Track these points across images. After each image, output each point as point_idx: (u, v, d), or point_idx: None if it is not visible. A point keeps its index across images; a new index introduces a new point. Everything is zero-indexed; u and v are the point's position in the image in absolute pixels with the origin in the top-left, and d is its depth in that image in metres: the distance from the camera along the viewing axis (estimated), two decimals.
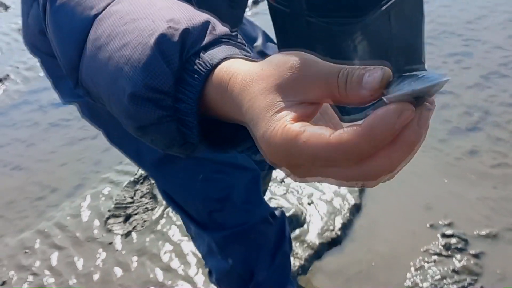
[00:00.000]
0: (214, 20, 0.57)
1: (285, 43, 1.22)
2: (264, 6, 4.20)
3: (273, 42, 1.49)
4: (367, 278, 2.00)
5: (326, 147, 0.39)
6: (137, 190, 2.57)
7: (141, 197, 2.51)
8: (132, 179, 2.64)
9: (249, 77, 0.47)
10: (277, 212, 1.45)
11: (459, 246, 2.09)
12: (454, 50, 3.56)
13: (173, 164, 1.25)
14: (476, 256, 2.04)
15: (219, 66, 0.52)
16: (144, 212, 2.45)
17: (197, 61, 0.53)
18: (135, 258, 2.24)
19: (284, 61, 0.45)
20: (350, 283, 1.98)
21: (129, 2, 0.59)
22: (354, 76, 0.42)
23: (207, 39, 0.54)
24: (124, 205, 2.49)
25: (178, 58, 0.53)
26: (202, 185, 1.29)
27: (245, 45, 0.59)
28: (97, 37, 0.58)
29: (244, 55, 0.54)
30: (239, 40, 0.58)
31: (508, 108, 2.92)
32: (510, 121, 2.81)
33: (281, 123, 0.42)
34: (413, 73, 0.42)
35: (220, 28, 0.57)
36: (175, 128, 0.55)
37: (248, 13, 4.32)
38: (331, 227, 2.23)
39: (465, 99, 3.05)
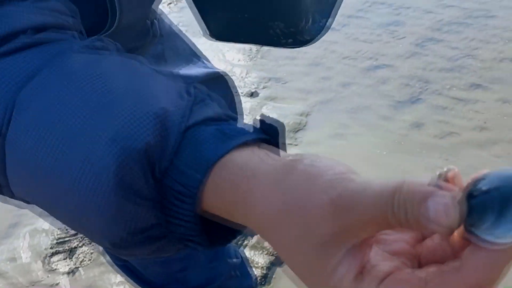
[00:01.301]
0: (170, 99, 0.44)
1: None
2: None
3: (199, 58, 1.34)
4: None
5: None
6: None
7: None
8: None
9: (272, 218, 0.38)
10: (237, 261, 1.35)
11: None
12: (386, 20, 3.52)
13: None
14: None
15: (218, 171, 0.42)
16: (90, 243, 2.29)
17: (175, 178, 0.43)
18: None
19: (321, 196, 0.36)
20: None
21: (37, 113, 0.43)
22: (416, 212, 0.32)
23: (173, 140, 0.43)
24: (66, 239, 2.33)
25: (153, 185, 0.43)
26: None
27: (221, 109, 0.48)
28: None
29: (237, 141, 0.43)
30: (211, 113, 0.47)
31: (447, 74, 2.91)
32: (451, 87, 2.79)
33: None
34: (484, 180, 0.33)
35: (178, 112, 0.44)
36: (178, 244, 0.46)
37: (174, 8, 4.16)
38: None
39: (403, 70, 3.01)
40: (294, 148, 2.55)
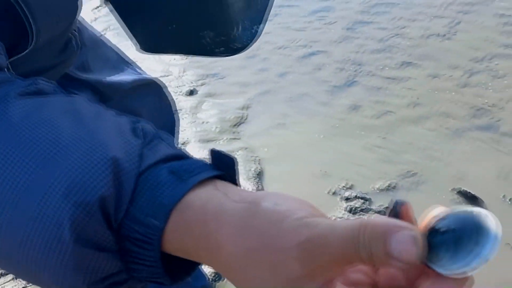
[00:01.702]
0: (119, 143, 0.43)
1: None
2: None
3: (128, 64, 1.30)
4: None
5: None
6: None
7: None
8: None
9: (239, 264, 0.39)
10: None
11: (363, 206, 2.09)
12: (316, 7, 3.57)
13: None
14: (380, 212, 2.05)
15: (176, 216, 0.42)
16: None
17: (133, 226, 0.42)
18: None
19: (288, 240, 0.37)
20: None
21: None
22: (381, 251, 0.34)
23: (127, 189, 0.41)
24: None
25: (111, 236, 0.41)
26: None
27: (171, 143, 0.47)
28: None
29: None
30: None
31: (378, 55, 2.98)
32: (383, 68, 2.86)
33: None
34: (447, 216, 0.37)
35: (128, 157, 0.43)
36: (140, 284, 0.46)
37: (102, 11, 4.06)
38: None
39: (337, 55, 3.06)
40: (237, 142, 2.56)
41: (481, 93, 2.53)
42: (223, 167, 0.45)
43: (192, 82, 3.19)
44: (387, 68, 2.86)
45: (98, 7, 3.96)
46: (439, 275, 0.35)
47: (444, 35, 3.01)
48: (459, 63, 2.77)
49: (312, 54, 3.13)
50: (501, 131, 2.27)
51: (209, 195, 0.42)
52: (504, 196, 1.96)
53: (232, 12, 0.98)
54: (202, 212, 0.41)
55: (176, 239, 0.42)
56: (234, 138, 2.60)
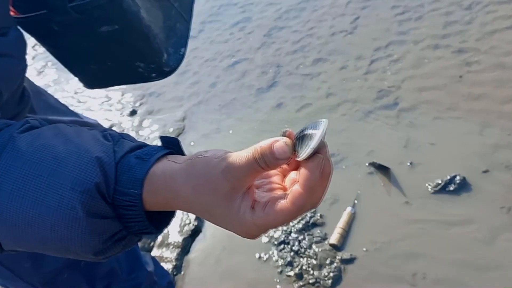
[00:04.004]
0: (101, 144, 0.63)
1: (58, 49, 1.20)
2: None
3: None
4: (231, 251, 2.25)
5: (290, 214, 0.56)
6: None
7: None
8: None
9: (193, 198, 0.59)
10: (152, 266, 1.55)
11: None
12: (236, 20, 3.90)
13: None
14: None
15: (147, 184, 0.61)
16: None
17: (121, 198, 0.61)
18: None
19: (216, 170, 0.58)
20: (220, 262, 2.21)
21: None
22: (270, 157, 0.56)
23: (111, 175, 0.61)
24: None
25: (109, 208, 0.61)
26: (86, 267, 1.34)
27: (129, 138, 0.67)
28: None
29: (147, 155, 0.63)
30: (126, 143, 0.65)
31: (293, 55, 3.33)
32: (298, 66, 3.22)
33: (248, 217, 0.57)
34: (302, 129, 0.59)
35: (107, 152, 0.62)
36: (136, 237, 0.66)
37: (40, 49, 4.22)
38: (187, 221, 2.43)
39: (258, 60, 3.39)
40: None
41: (382, 77, 2.92)
42: (170, 146, 0.66)
43: (132, 103, 3.43)
44: (301, 66, 3.21)
45: (36, 44, 4.13)
46: (300, 161, 0.58)
47: (348, 30, 3.41)
48: (362, 53, 3.16)
49: (237, 62, 3.45)
50: (399, 108, 2.67)
51: (165, 165, 0.62)
52: (411, 163, 2.35)
53: (156, 44, 1.14)
54: (162, 176, 0.61)
55: (151, 199, 0.61)
56: None
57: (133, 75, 1.19)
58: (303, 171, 0.57)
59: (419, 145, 2.41)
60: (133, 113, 3.35)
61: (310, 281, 2.02)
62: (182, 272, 2.24)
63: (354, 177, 2.36)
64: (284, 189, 0.63)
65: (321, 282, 2.01)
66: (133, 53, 1.14)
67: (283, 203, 0.57)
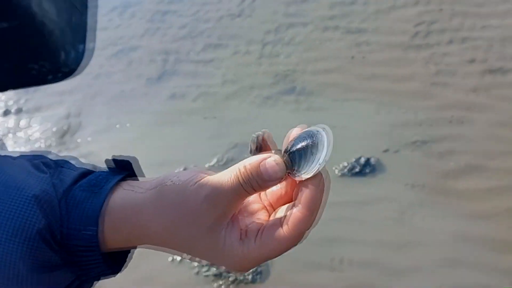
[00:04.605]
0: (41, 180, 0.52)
1: None
2: None
3: None
4: (147, 257, 2.12)
5: (292, 242, 0.49)
6: None
7: None
8: None
9: (167, 233, 0.50)
10: None
11: None
12: (114, 4, 3.64)
13: None
14: None
15: (103, 221, 0.51)
16: None
17: (72, 243, 0.51)
18: None
19: (195, 199, 0.49)
20: (137, 268, 2.07)
21: None
22: (258, 180, 0.48)
23: (57, 213, 0.51)
24: None
25: (57, 256, 0.50)
26: None
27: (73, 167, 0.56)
28: None
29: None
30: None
31: (182, 42, 3.19)
32: (188, 53, 3.09)
33: (237, 250, 0.49)
34: (295, 141, 0.50)
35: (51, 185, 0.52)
36: (95, 279, 0.56)
37: None
38: None
39: (144, 48, 3.21)
40: (72, 152, 2.59)
41: (276, 61, 2.91)
42: (122, 170, 0.56)
43: (4, 102, 3.07)
44: (192, 53, 3.09)
45: None
46: (299, 180, 0.50)
47: (236, 13, 3.34)
48: (253, 37, 3.12)
49: (121, 51, 3.23)
50: (297, 92, 2.68)
51: (123, 196, 0.52)
52: None
53: (51, 42, 1.02)
54: (122, 211, 0.52)
55: (110, 238, 0.52)
56: (67, 149, 2.63)
57: (28, 78, 1.05)
58: (304, 191, 0.49)
59: None
60: (6, 113, 3.00)
61: (230, 279, 1.97)
62: (96, 284, 2.07)
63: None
64: (266, 209, 0.55)
65: (241, 279, 1.97)
66: (27, 53, 1.02)
67: (280, 231, 0.49)
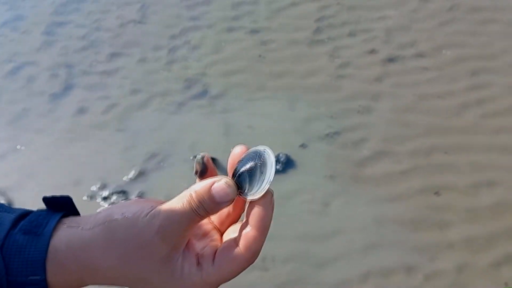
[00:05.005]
0: None
1: None
2: None
3: None
4: None
5: (246, 262, 0.49)
6: None
7: None
8: None
9: (119, 270, 0.49)
10: None
11: (124, 198, 2.27)
12: (5, 18, 3.42)
13: None
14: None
15: (50, 264, 0.49)
16: None
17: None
18: None
19: (147, 232, 0.48)
20: None
21: None
22: (209, 203, 0.48)
23: None
24: None
25: None
26: None
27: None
28: None
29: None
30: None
31: (84, 53, 3.07)
32: (92, 64, 2.98)
33: (196, 277, 0.49)
34: (239, 164, 0.52)
35: None
36: None
37: None
38: None
39: (44, 62, 3.04)
40: None
41: (185, 65, 2.88)
42: (61, 207, 0.54)
43: None
44: (95, 64, 2.98)
45: None
46: (249, 200, 0.51)
47: (137, 19, 3.26)
48: (158, 43, 3.06)
49: (18, 67, 3.04)
50: (210, 95, 2.67)
51: (67, 235, 0.50)
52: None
53: None
54: (70, 250, 0.50)
55: (60, 281, 0.50)
56: None
57: None
58: (256, 210, 0.50)
59: (238, 129, 2.46)
60: None
61: None
62: None
63: (182, 174, 2.30)
64: (217, 228, 0.57)
65: None
66: None
67: (236, 252, 0.50)
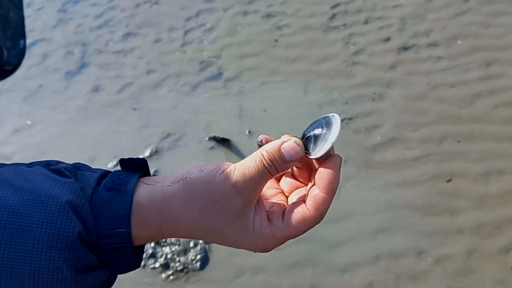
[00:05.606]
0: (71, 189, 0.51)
1: None
2: None
3: None
4: None
5: (314, 222, 0.53)
6: None
7: None
8: None
9: (198, 222, 0.53)
10: None
11: None
12: None
13: None
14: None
15: (135, 218, 0.53)
16: None
17: (106, 241, 0.52)
18: None
19: (225, 187, 0.52)
20: None
21: None
22: (280, 161, 0.53)
23: (89, 217, 0.51)
24: None
25: (95, 257, 0.51)
26: None
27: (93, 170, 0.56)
28: None
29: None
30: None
31: (98, 31, 3.09)
32: (107, 43, 3.00)
33: (266, 231, 0.53)
34: (307, 130, 0.57)
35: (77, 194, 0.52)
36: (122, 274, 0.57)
37: None
38: None
39: (58, 40, 3.06)
40: None
41: (200, 47, 2.90)
42: (138, 168, 0.58)
43: None
44: (111, 43, 3.00)
45: None
46: (315, 159, 0.56)
47: (154, 1, 3.27)
48: (174, 24, 3.08)
49: (33, 44, 3.07)
50: (225, 77, 2.70)
51: (148, 191, 0.55)
52: (249, 132, 2.40)
53: None
54: (152, 205, 0.54)
55: (141, 234, 0.54)
56: None
57: None
58: (325, 173, 0.54)
59: (252, 112, 2.49)
60: None
61: (178, 268, 1.98)
62: None
63: (196, 153, 2.33)
64: (282, 192, 0.61)
65: (190, 266, 1.98)
66: None
67: (305, 211, 0.54)
